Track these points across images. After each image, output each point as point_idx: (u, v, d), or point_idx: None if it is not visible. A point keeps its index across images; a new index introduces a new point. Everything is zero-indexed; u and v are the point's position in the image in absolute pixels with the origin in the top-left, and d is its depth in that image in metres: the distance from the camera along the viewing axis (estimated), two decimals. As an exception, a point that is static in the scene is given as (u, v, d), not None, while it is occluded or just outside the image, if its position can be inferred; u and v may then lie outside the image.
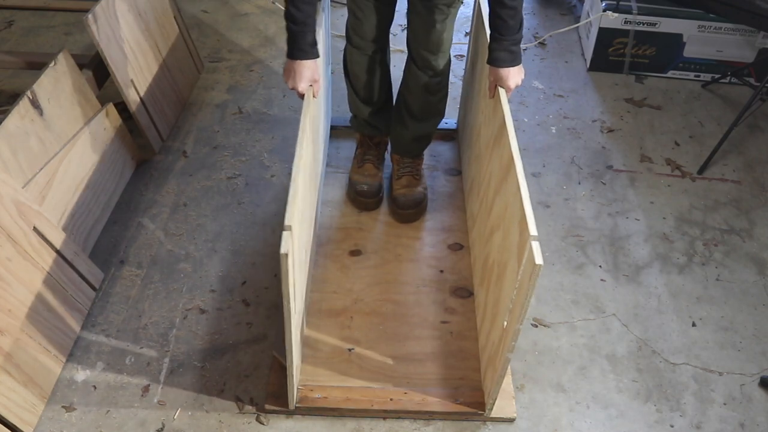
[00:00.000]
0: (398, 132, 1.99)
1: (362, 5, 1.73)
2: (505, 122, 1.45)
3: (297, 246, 1.31)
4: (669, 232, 2.02)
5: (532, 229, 1.20)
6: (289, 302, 1.25)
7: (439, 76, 1.83)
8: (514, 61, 1.55)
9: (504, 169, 1.44)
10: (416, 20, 1.73)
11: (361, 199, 1.99)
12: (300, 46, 1.49)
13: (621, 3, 2.56)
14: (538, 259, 1.15)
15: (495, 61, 1.54)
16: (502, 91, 1.53)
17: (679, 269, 1.91)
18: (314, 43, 1.52)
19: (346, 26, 1.83)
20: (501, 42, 1.52)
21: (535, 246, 1.18)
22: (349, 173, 2.06)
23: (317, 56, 1.53)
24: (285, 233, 1.20)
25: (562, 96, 2.56)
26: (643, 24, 2.55)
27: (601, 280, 1.87)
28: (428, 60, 1.78)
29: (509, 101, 1.52)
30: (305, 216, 1.49)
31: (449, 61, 1.84)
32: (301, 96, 1.54)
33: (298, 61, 1.51)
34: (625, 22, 2.55)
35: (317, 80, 1.55)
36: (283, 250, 1.18)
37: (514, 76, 1.55)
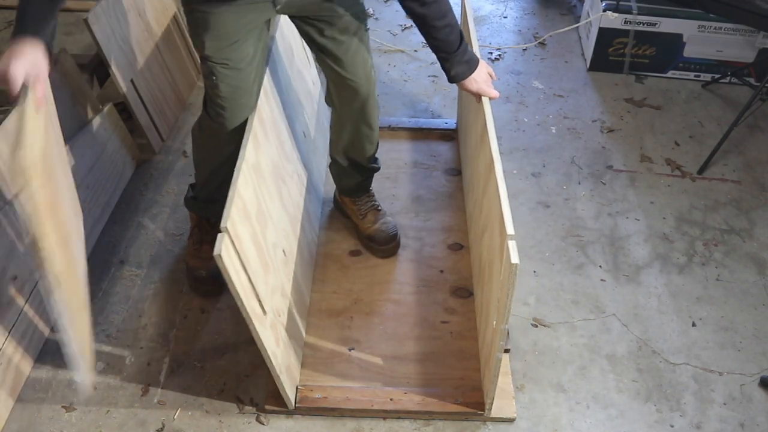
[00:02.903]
0: (344, 180, 1.88)
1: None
2: (486, 123, 1.46)
3: (247, 247, 1.28)
4: (669, 232, 2.02)
5: (509, 229, 1.21)
6: (242, 303, 1.23)
7: (374, 126, 1.73)
8: (472, 67, 1.51)
9: (487, 170, 1.45)
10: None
11: (201, 286, 1.78)
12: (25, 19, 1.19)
13: (621, 3, 2.56)
14: (514, 258, 1.17)
15: (457, 78, 1.51)
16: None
17: (679, 269, 1.91)
18: (47, 19, 1.20)
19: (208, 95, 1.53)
20: (453, 58, 1.48)
21: (512, 245, 1.19)
22: (185, 255, 1.84)
23: (48, 39, 1.22)
24: (219, 235, 1.17)
25: (562, 96, 2.56)
26: (643, 24, 2.55)
27: (601, 280, 1.87)
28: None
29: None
30: (272, 214, 1.47)
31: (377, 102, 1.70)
32: (14, 94, 1.18)
33: (21, 39, 1.18)
34: (625, 22, 2.55)
35: (40, 78, 1.20)
36: (216, 251, 1.15)
37: (479, 79, 1.51)
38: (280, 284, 1.48)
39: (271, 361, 1.37)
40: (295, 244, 1.66)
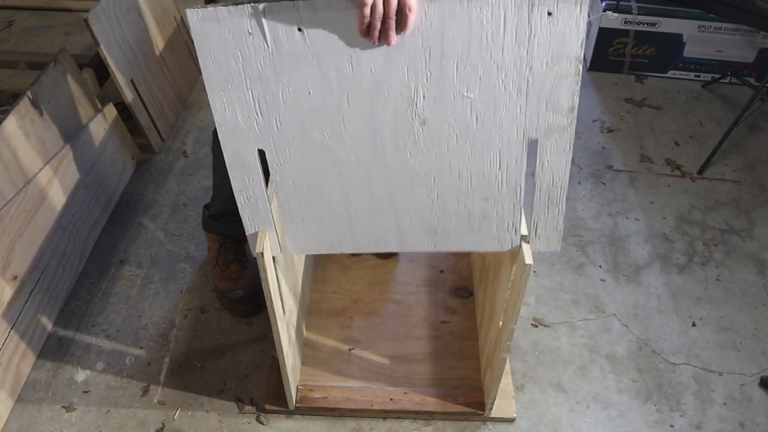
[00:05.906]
0: None
1: None
2: None
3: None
4: (669, 232, 2.02)
5: (523, 229, 1.21)
6: (272, 303, 1.24)
7: None
8: None
9: None
10: None
11: (241, 306, 1.73)
12: None
13: (621, 3, 2.56)
14: (528, 259, 1.17)
15: None
16: None
17: (679, 269, 1.91)
18: None
19: None
20: None
21: (525, 246, 1.19)
22: (214, 281, 1.79)
23: None
24: (260, 234, 1.18)
25: (562, 96, 2.56)
26: (643, 24, 2.55)
27: (601, 280, 1.87)
28: None
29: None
30: None
31: None
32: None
33: None
34: (625, 22, 2.55)
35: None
36: (258, 249, 1.15)
37: None
38: (292, 283, 1.48)
39: (284, 361, 1.37)
40: None
